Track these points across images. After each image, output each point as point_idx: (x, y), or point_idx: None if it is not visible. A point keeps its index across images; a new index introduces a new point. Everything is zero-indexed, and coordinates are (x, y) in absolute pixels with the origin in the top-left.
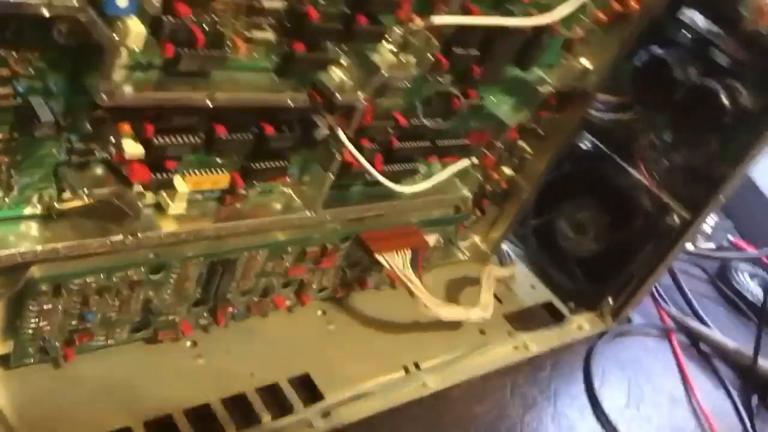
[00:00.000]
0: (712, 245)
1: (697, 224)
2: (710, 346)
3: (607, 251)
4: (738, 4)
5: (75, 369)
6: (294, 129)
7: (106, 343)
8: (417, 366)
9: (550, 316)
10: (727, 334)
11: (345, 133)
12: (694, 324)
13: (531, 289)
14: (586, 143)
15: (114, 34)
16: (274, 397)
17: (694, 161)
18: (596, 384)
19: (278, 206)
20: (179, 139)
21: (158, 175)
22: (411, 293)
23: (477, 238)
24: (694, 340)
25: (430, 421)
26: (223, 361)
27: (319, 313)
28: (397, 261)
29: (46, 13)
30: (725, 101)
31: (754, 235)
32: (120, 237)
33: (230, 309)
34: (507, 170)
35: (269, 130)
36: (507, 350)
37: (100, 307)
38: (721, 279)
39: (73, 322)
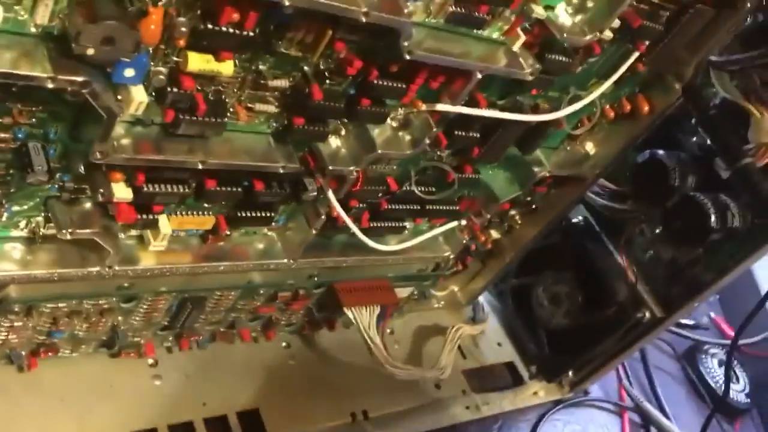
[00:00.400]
0: (689, 321)
1: (668, 324)
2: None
3: (576, 327)
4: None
5: (36, 375)
6: (284, 187)
7: (70, 356)
8: (365, 415)
9: (510, 376)
10: (681, 417)
11: (334, 194)
12: (649, 408)
13: (497, 347)
14: (578, 217)
15: (116, 105)
16: (220, 429)
17: (678, 260)
18: None
19: (259, 248)
20: (169, 188)
21: (143, 216)
22: (369, 350)
23: (455, 288)
24: (646, 422)
25: None
26: (180, 386)
27: (284, 344)
28: (363, 316)
29: (50, 85)
30: (713, 221)
31: (737, 318)
32: (97, 268)
33: (195, 337)
34: (494, 233)
35: (259, 186)
36: (458, 410)
37: (68, 328)
38: (689, 359)
39: (41, 338)
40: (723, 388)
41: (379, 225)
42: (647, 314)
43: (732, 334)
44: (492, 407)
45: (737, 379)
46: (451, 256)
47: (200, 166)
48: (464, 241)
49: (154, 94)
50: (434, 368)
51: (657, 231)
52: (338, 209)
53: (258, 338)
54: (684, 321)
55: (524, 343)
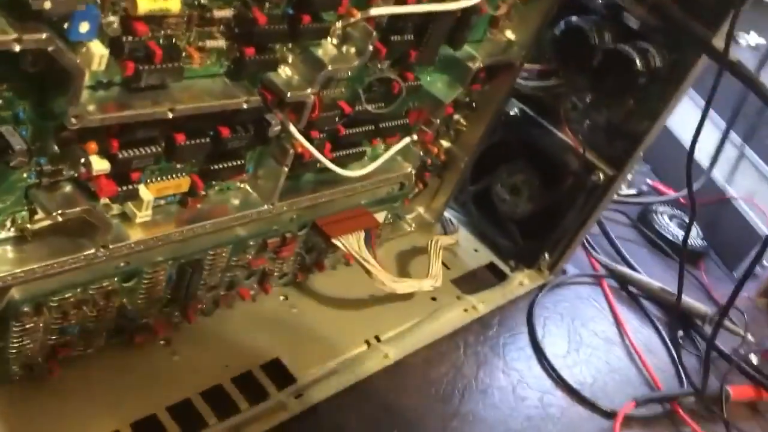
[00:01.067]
0: (633, 191)
1: (621, 179)
2: (638, 288)
3: (541, 210)
4: None
5: (59, 381)
6: (248, 129)
7: (84, 353)
8: (378, 339)
9: (493, 276)
10: (652, 274)
11: (296, 127)
12: (622, 269)
13: (474, 253)
14: (515, 110)
15: (79, 60)
16: (248, 384)
17: (614, 120)
18: (539, 335)
19: (236, 202)
20: (142, 150)
21: (124, 188)
22: (368, 272)
23: (421, 209)
24: (623, 283)
25: (395, 389)
26: (198, 356)
27: (282, 298)
28: (352, 243)
29: (16, 48)
30: (639, 64)
31: (670, 178)
32: (92, 251)
33: (199, 306)
34: (444, 143)
35: (225, 132)
36: (457, 313)
37: (78, 320)
38: (643, 222)
39: (54, 337)
40: (682, 238)
41: (340, 154)
42: (601, 175)
43: (670, 192)
44: (488, 304)
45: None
46: (413, 172)
47: (170, 115)
48: (420, 155)
49: (109, 48)
50: (428, 278)
51: (588, 99)
52: (302, 140)
53: (256, 296)
54: (628, 192)
55: (498, 241)
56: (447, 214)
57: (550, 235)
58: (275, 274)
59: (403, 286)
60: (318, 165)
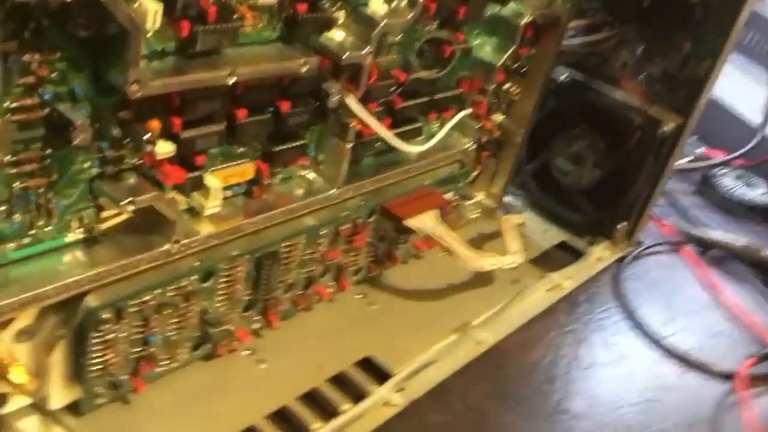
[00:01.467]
0: (688, 160)
1: (690, 127)
2: (721, 249)
3: (609, 175)
4: None
5: (146, 400)
6: (307, 101)
7: (169, 367)
8: (467, 326)
9: (568, 254)
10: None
11: (354, 97)
12: (700, 232)
13: (543, 233)
14: (563, 76)
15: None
16: (345, 384)
17: (671, 68)
18: (632, 307)
19: (301, 191)
20: (205, 129)
21: (190, 174)
22: (448, 251)
23: (481, 195)
24: (704, 247)
25: (494, 376)
26: (286, 362)
27: (359, 296)
28: (426, 223)
29: None
30: None
31: (720, 141)
32: (166, 247)
33: (278, 307)
34: (498, 116)
35: (285, 106)
36: (543, 293)
37: (160, 327)
38: (707, 188)
39: (136, 349)
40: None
41: (398, 131)
42: (669, 125)
43: (723, 156)
44: (573, 281)
45: (756, 186)
46: (472, 146)
47: (231, 80)
48: (477, 128)
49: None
50: (510, 254)
51: (640, 51)
52: (361, 111)
53: (334, 296)
54: (683, 163)
55: (566, 218)
56: (507, 199)
57: (624, 200)
58: (350, 268)
59: (488, 262)
60: (376, 146)
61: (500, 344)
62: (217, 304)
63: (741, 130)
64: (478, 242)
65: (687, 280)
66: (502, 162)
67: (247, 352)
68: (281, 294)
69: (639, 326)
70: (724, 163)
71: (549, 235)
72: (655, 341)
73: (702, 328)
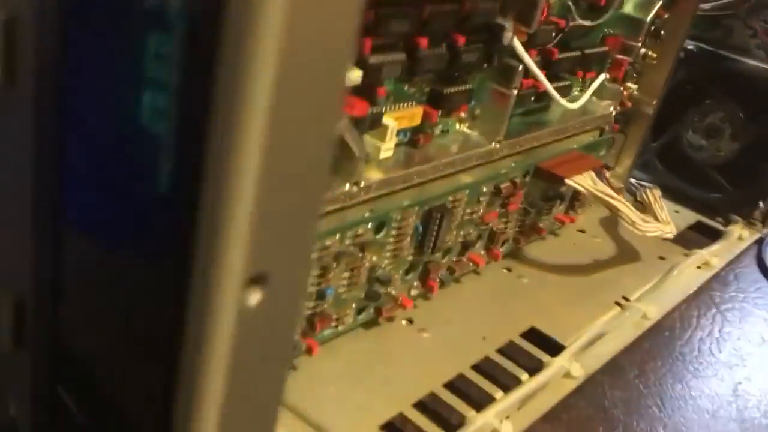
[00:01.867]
0: None
1: None
2: None
3: (748, 146)
4: None
5: (316, 365)
6: (481, 35)
7: (336, 330)
8: (626, 299)
9: (705, 235)
10: None
11: (520, 41)
12: None
13: (675, 214)
14: (691, 46)
15: None
16: (517, 354)
17: None
18: None
19: (457, 146)
20: (391, 56)
21: (374, 109)
22: (614, 210)
23: (607, 175)
24: None
25: (666, 352)
26: (448, 331)
27: (506, 270)
28: (587, 182)
29: None
30: None
31: None
32: (346, 188)
33: (438, 272)
34: (632, 85)
35: (461, 40)
36: (693, 270)
37: (335, 280)
38: None
39: (311, 304)
40: None
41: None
42: None
43: None
44: (719, 259)
45: None
46: (612, 112)
47: None
48: (620, 91)
49: None
50: (665, 223)
51: None
52: (526, 57)
53: (481, 270)
54: None
55: (699, 198)
56: (632, 181)
57: (765, 173)
58: (501, 236)
59: (652, 226)
60: (530, 102)
61: (662, 321)
62: (386, 261)
63: None
64: (609, 223)
65: None
66: (630, 137)
67: (405, 321)
68: (440, 258)
69: None
70: None
71: (681, 215)
72: None
73: None
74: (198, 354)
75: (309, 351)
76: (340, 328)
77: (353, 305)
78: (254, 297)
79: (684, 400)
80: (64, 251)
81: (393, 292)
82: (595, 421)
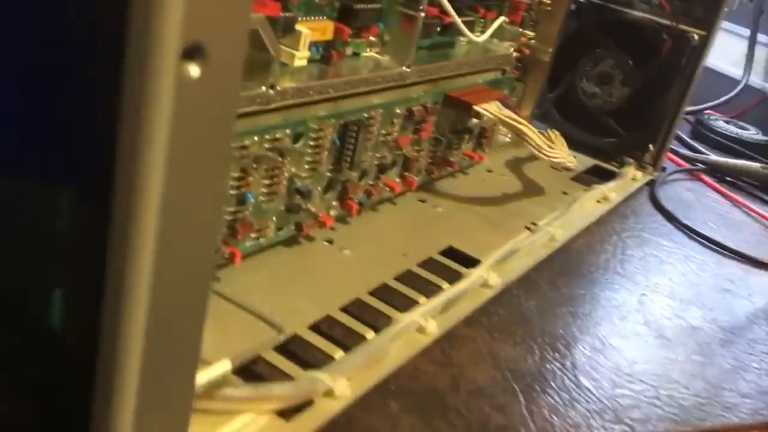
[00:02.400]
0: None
1: (713, 38)
2: (738, 173)
3: (638, 92)
4: None
5: (239, 277)
6: None
7: (258, 243)
8: (535, 225)
9: (601, 177)
10: None
11: None
12: (717, 158)
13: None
14: (581, 0)
15: None
16: (437, 267)
17: None
18: (679, 219)
19: (368, 69)
20: None
21: (286, 14)
22: (520, 134)
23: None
24: (720, 173)
25: (574, 270)
26: (370, 250)
27: (420, 202)
28: (494, 109)
29: None
30: None
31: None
32: (263, 89)
33: (356, 193)
34: (529, 32)
35: None
36: (593, 203)
37: (255, 186)
38: (702, 130)
39: (231, 209)
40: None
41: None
42: (695, 36)
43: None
44: (617, 194)
45: (746, 128)
46: (512, 54)
47: None
48: (519, 32)
49: None
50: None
51: None
52: None
53: (396, 200)
54: None
55: (594, 143)
56: None
57: (654, 118)
58: (416, 163)
59: (556, 153)
60: (434, 34)
61: (569, 244)
62: (305, 174)
63: (723, 84)
64: (514, 164)
65: (716, 201)
66: (529, 85)
67: (326, 242)
68: (357, 179)
69: (694, 233)
70: (712, 110)
71: (579, 160)
72: (715, 244)
73: (750, 237)
74: (140, 126)
75: (231, 259)
76: (262, 240)
77: (274, 218)
78: (193, 70)
79: (594, 308)
80: None
81: (313, 209)
82: (514, 325)
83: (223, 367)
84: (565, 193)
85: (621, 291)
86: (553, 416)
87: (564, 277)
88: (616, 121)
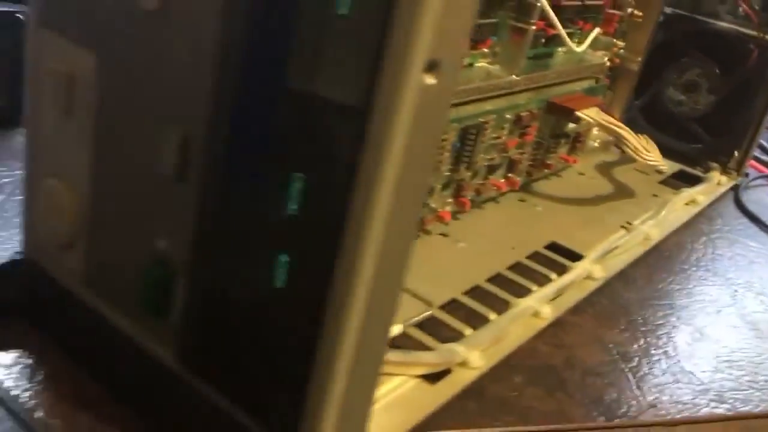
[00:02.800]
0: None
1: None
2: None
3: (724, 99)
4: None
5: None
6: None
7: None
8: (630, 224)
9: (687, 182)
10: None
11: None
12: None
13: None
14: (666, 10)
15: None
16: (544, 260)
17: None
18: (765, 220)
19: (481, 78)
20: None
21: None
22: (619, 137)
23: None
24: None
25: (668, 266)
26: (482, 243)
27: (520, 201)
28: (595, 114)
29: None
30: None
31: None
32: None
33: (468, 191)
34: (619, 42)
35: None
36: (683, 206)
37: None
38: None
39: None
40: None
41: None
42: None
43: None
44: (705, 197)
45: None
46: (606, 63)
47: None
48: (613, 41)
49: None
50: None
51: None
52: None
53: (498, 198)
54: None
55: (680, 149)
56: None
57: (740, 125)
58: (519, 164)
59: (652, 156)
60: (539, 44)
61: (661, 244)
62: None
63: None
64: (604, 168)
65: None
66: (618, 93)
67: (441, 235)
68: (470, 178)
69: None
70: None
71: (666, 165)
72: None
73: None
74: (387, 122)
75: None
76: None
77: None
78: (429, 80)
79: (690, 302)
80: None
81: (433, 205)
82: (617, 315)
83: (396, 330)
84: (655, 195)
85: (714, 287)
86: (662, 394)
87: (658, 274)
88: (702, 127)
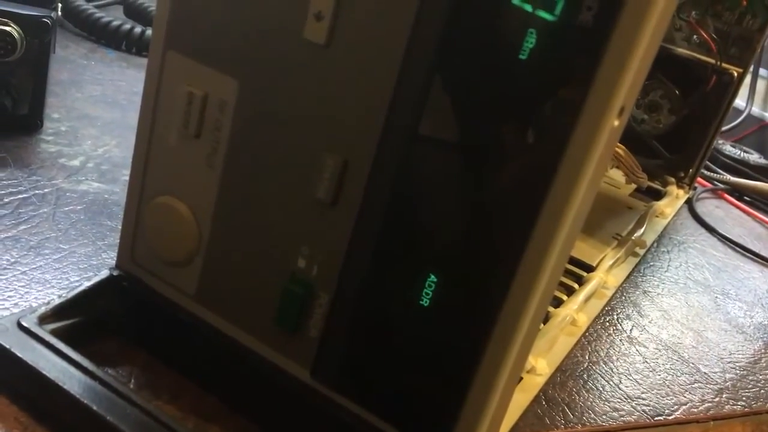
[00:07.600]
0: None
1: (746, 74)
2: (757, 194)
3: (683, 119)
4: None
5: None
6: None
7: None
8: (620, 235)
9: (648, 195)
10: None
11: None
12: (738, 180)
13: (621, 179)
14: None
15: None
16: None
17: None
18: (724, 233)
19: None
20: None
21: None
22: (618, 157)
23: None
24: (740, 192)
25: (656, 276)
26: None
27: None
28: None
29: None
30: None
31: None
32: None
33: None
34: None
35: None
36: (655, 218)
37: None
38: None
39: None
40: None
41: None
42: (734, 73)
43: None
44: (671, 210)
45: (750, 152)
46: None
47: None
48: None
49: None
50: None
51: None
52: None
53: None
54: None
55: (643, 164)
56: None
57: (695, 142)
58: None
59: (642, 175)
60: None
61: (646, 254)
62: None
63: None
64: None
65: (741, 217)
66: None
67: None
68: None
69: (738, 246)
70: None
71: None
72: (750, 252)
73: None
74: (586, 154)
75: None
76: None
77: None
78: (618, 122)
79: (687, 311)
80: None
81: None
82: (632, 315)
83: None
84: (630, 207)
85: (697, 294)
86: (691, 394)
87: (648, 283)
88: (662, 145)
